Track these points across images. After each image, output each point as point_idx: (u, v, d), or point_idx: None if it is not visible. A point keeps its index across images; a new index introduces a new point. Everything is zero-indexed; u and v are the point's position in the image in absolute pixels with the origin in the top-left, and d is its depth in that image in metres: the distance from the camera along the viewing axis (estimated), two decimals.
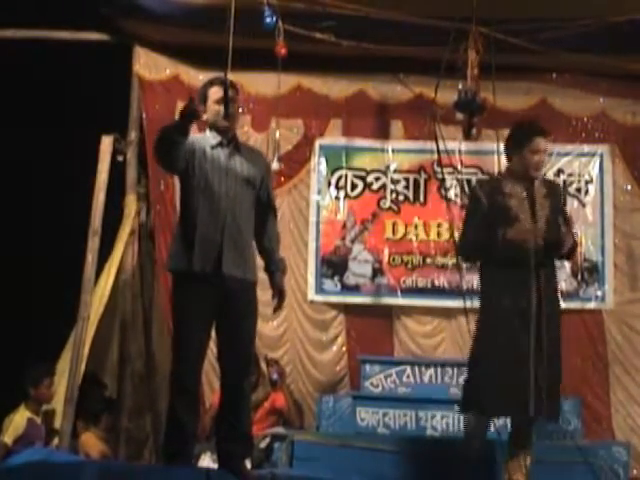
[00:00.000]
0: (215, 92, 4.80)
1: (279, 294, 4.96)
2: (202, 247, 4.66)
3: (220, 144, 4.79)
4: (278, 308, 5.02)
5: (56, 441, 6.31)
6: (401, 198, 7.56)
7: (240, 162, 4.79)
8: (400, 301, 7.45)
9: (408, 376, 6.93)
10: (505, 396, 4.99)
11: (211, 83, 4.87)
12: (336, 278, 7.48)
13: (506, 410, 5.13)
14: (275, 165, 6.75)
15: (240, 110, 4.89)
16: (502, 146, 5.40)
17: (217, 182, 4.71)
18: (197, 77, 7.33)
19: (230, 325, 4.73)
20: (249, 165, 4.80)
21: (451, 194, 7.47)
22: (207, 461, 6.10)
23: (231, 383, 4.74)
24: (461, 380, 6.78)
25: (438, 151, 6.36)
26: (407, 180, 7.57)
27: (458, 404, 5.34)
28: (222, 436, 4.77)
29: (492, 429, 6.02)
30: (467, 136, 6.71)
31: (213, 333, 4.88)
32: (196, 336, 4.70)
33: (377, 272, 7.47)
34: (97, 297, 6.74)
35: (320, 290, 7.49)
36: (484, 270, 5.29)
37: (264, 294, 7.08)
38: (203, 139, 4.83)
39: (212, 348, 6.45)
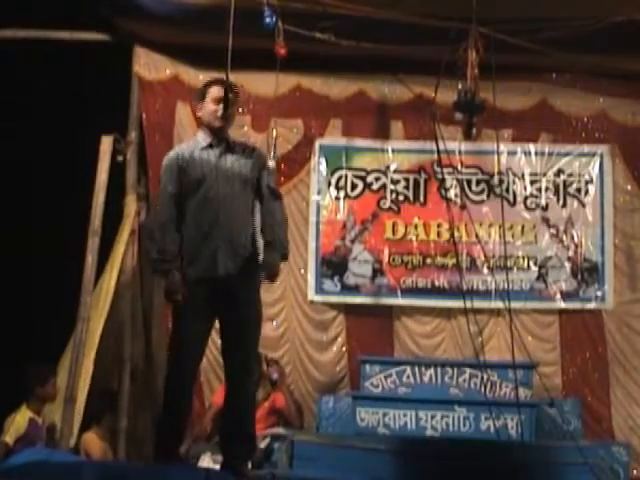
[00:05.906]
0: (215, 91, 4.79)
1: (267, 269, 4.70)
2: (197, 251, 4.66)
3: (210, 145, 4.78)
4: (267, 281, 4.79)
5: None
6: (401, 198, 7.56)
7: (232, 160, 4.76)
8: (400, 301, 7.45)
9: (408, 376, 6.92)
10: None
11: (212, 82, 4.87)
12: (336, 278, 7.48)
13: None
14: (271, 163, 6.72)
15: (240, 111, 4.85)
16: None
17: (207, 184, 4.68)
18: (197, 77, 7.33)
19: (232, 326, 4.71)
20: (242, 162, 4.77)
21: (451, 194, 7.47)
22: (207, 461, 6.10)
23: (234, 384, 4.73)
24: (461, 380, 6.81)
25: (438, 151, 6.35)
26: (407, 180, 7.57)
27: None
28: (226, 436, 4.76)
29: (491, 430, 6.05)
30: (467, 136, 6.71)
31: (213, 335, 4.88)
32: (191, 337, 4.67)
33: (377, 272, 7.47)
34: (102, 298, 6.73)
35: (320, 290, 7.49)
36: None
37: (269, 296, 7.11)
38: (190, 145, 4.83)
39: (213, 349, 6.47)
